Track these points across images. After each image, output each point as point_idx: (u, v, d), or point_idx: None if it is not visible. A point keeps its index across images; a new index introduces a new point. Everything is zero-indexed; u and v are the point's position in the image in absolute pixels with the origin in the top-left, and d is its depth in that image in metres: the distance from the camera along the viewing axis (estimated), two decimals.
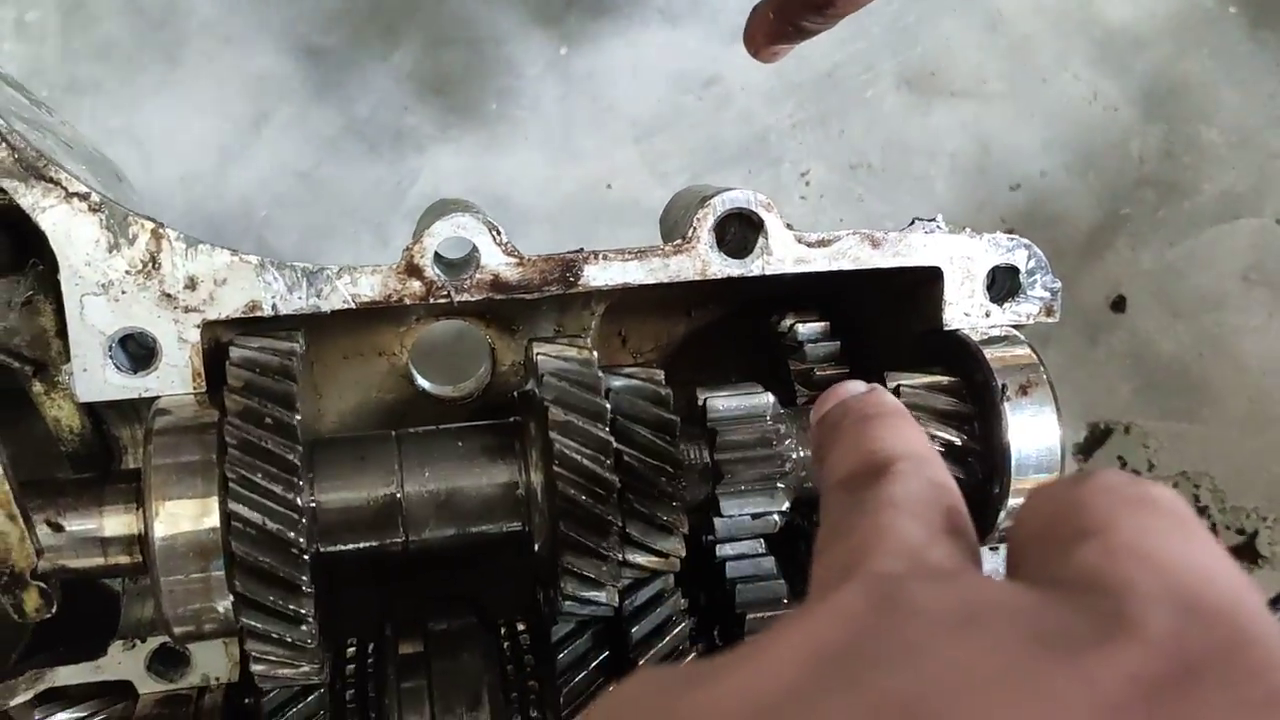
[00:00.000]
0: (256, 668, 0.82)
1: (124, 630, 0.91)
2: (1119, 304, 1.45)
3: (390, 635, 0.92)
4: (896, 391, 0.95)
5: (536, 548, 0.89)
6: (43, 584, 0.77)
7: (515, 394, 0.94)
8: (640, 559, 0.88)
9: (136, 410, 0.93)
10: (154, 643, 0.88)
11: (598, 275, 0.91)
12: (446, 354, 1.11)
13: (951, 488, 0.67)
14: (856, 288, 1.04)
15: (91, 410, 0.92)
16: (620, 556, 0.85)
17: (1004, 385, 0.93)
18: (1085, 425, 1.48)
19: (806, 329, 1.05)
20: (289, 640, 0.80)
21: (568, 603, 0.87)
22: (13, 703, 0.86)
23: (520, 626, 0.96)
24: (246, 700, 0.91)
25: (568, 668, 0.89)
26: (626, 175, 1.55)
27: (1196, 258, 1.44)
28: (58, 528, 0.80)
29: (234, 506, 0.78)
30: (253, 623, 0.79)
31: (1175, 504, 0.57)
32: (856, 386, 0.80)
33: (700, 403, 0.93)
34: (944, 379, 0.97)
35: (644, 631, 0.89)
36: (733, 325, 1.14)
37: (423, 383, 1.05)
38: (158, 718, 0.87)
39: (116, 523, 0.82)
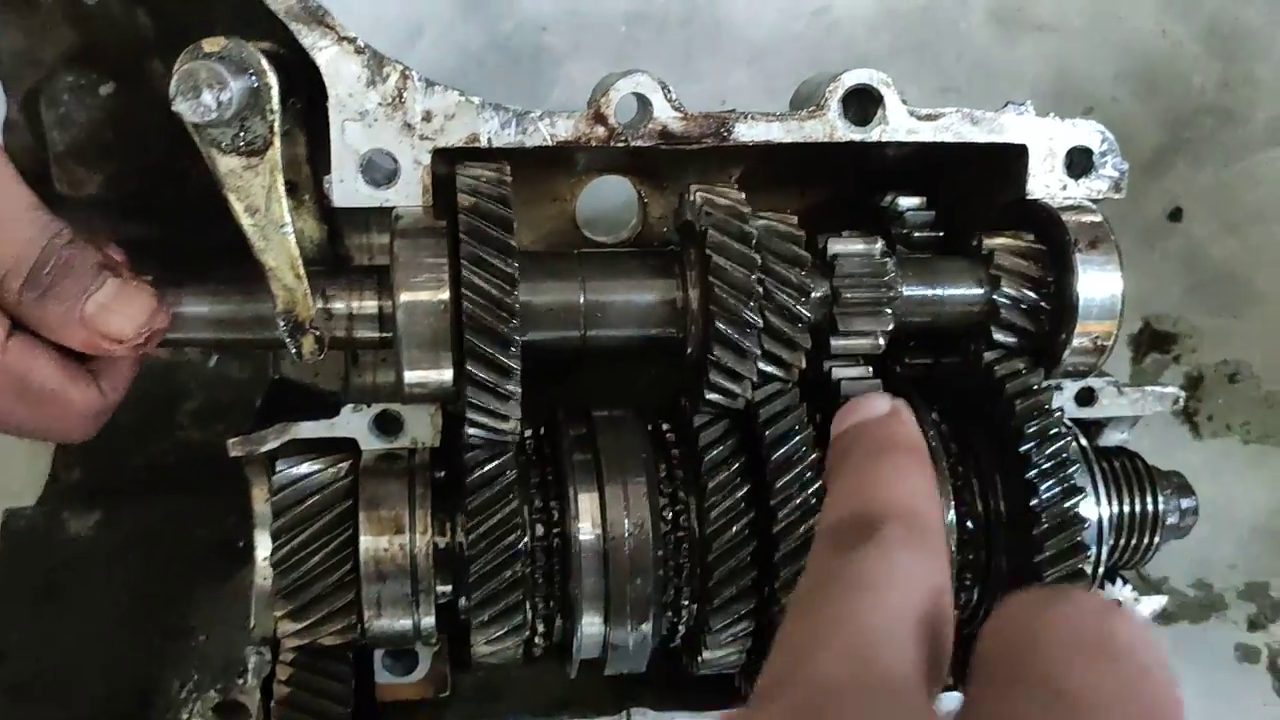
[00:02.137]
0: (471, 430, 1.04)
1: (351, 397, 1.12)
2: (1176, 215, 1.64)
3: (562, 419, 1.12)
4: (989, 257, 1.14)
5: (689, 351, 1.09)
6: (317, 331, 0.99)
7: (675, 227, 1.14)
8: (770, 368, 1.09)
9: (369, 223, 1.15)
10: (377, 408, 1.09)
11: (745, 132, 1.11)
12: (605, 209, 1.32)
13: (938, 563, 0.65)
14: (952, 165, 1.23)
15: (330, 222, 1.14)
16: (758, 351, 1.05)
17: (1076, 239, 1.12)
18: (1140, 319, 1.69)
19: (907, 201, 1.25)
20: (496, 409, 1.02)
21: (712, 394, 1.07)
22: (263, 449, 1.08)
23: (665, 426, 1.16)
24: (439, 473, 1.11)
25: (709, 448, 1.09)
26: (740, 95, 1.74)
27: (1249, 177, 1.63)
28: (325, 299, 1.03)
29: (465, 303, 0.98)
30: (472, 396, 1.00)
31: (1135, 644, 0.55)
32: (877, 406, 0.79)
33: (822, 245, 1.13)
34: (1027, 237, 1.17)
35: (775, 434, 1.07)
36: (839, 205, 1.34)
37: (586, 230, 1.26)
38: (378, 469, 1.08)
39: (368, 303, 1.04)
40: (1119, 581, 1.24)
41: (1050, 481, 1.07)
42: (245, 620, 1.18)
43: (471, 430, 1.04)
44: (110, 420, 1.11)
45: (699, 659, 1.11)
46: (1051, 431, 1.09)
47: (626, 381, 1.22)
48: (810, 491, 1.05)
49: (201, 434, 1.50)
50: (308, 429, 1.08)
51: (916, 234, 1.23)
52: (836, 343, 1.11)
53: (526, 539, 1.05)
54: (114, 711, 1.22)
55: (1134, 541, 1.22)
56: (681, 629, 1.11)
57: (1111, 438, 1.25)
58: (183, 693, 1.20)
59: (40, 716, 1.22)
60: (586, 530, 1.05)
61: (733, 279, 1.04)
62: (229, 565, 1.31)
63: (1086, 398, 1.20)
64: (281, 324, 0.99)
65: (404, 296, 1.00)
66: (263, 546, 1.13)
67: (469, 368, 0.99)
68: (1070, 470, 1.08)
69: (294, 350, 0.99)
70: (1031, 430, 1.08)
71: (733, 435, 1.09)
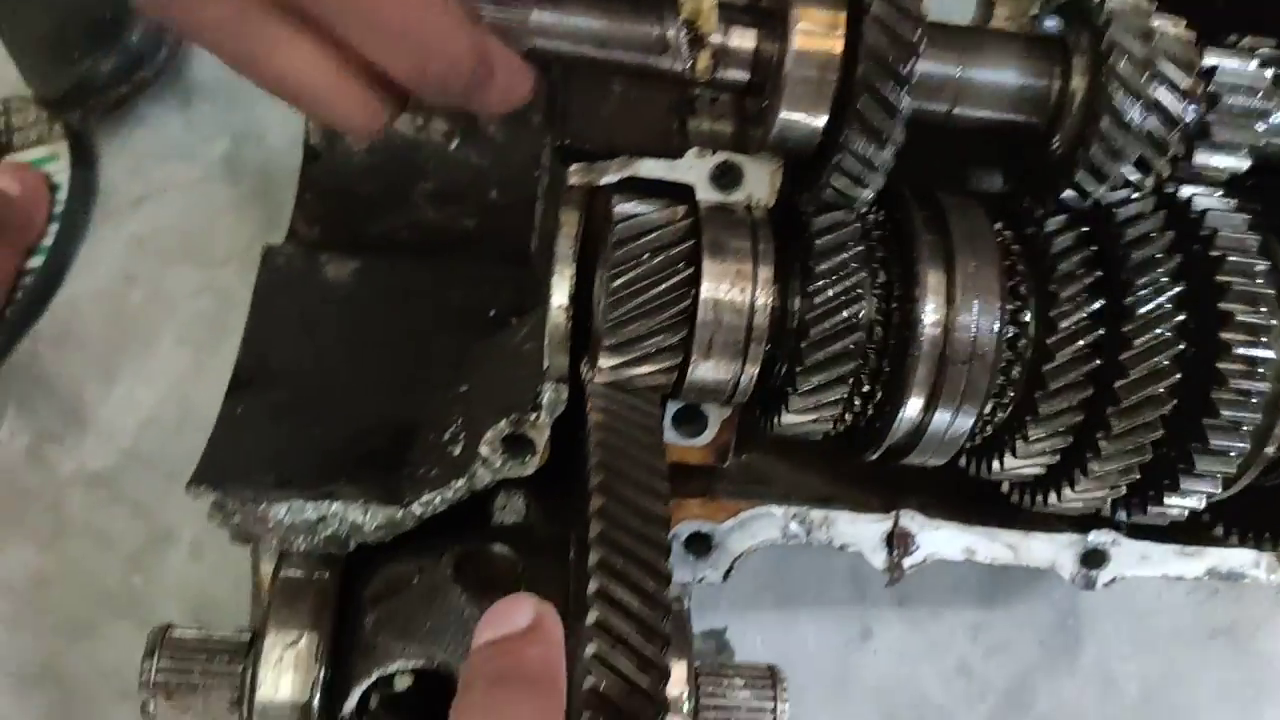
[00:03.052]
0: (828, 191, 1.01)
1: (693, 141, 1.08)
2: None
3: (909, 197, 1.09)
4: None
5: (1053, 145, 1.05)
6: (714, 49, 0.96)
7: (1054, 9, 1.09)
8: (1134, 173, 1.04)
9: None
10: (720, 156, 1.05)
11: None
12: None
13: None
14: None
15: None
16: (1136, 152, 1.01)
17: None
18: None
19: None
20: (861, 174, 0.99)
21: (1069, 192, 1.04)
22: (602, 180, 1.04)
23: (998, 225, 1.11)
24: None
25: (1062, 255, 1.05)
26: None
27: None
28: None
29: (861, 62, 0.95)
30: (847, 145, 0.97)
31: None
32: (516, 619, 0.72)
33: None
34: None
35: (1133, 236, 1.04)
36: None
37: None
38: (719, 218, 1.04)
39: (746, 43, 1.00)
40: None
41: None
42: (512, 375, 1.16)
43: (828, 191, 1.01)
44: (348, 187, 1.09)
45: (997, 464, 1.08)
46: None
47: (959, 173, 1.18)
48: (1168, 307, 1.01)
49: (436, 214, 1.49)
50: (648, 167, 1.05)
51: None
52: (1200, 159, 1.07)
53: (866, 312, 1.02)
54: (370, 446, 1.20)
55: None
56: (988, 431, 1.09)
57: None
58: (444, 436, 1.18)
59: (298, 440, 1.20)
60: (931, 309, 1.02)
61: (1126, 75, 0.99)
62: (483, 331, 1.30)
63: None
64: (682, 34, 0.95)
65: (798, 43, 0.96)
66: (560, 289, 1.10)
67: (853, 124, 0.95)
68: None
69: (687, 66, 0.96)
70: None
71: (1086, 244, 1.05)
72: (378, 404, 1.23)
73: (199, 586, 1.65)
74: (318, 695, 1.02)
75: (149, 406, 1.74)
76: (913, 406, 1.03)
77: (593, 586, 0.85)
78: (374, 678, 1.01)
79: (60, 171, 1.77)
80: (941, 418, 1.03)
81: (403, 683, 1.04)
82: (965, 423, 1.04)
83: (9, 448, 1.74)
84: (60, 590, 1.70)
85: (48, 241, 1.75)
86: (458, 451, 1.14)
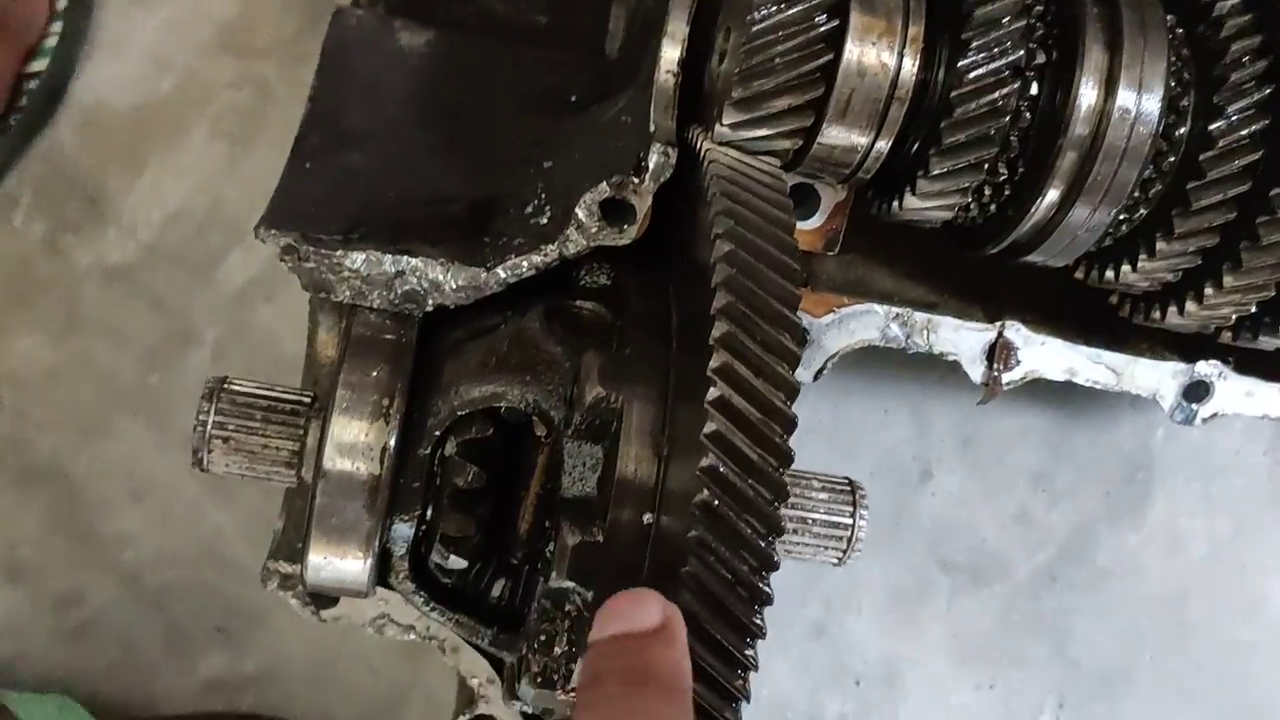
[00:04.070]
0: None
1: None
2: None
3: None
4: None
5: None
6: None
7: None
8: None
9: None
10: None
11: None
12: None
13: None
14: None
15: None
16: None
17: None
18: None
19: None
20: None
21: None
22: None
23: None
24: None
25: (1234, 38, 0.98)
26: None
27: None
28: None
29: None
30: None
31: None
32: (646, 616, 0.69)
33: None
34: None
35: None
36: None
37: None
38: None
39: None
40: None
41: None
42: (607, 146, 1.09)
43: None
44: None
45: (1126, 267, 1.02)
46: None
47: None
48: None
49: (504, 6, 1.40)
50: None
51: None
52: None
53: (1017, 95, 0.95)
54: (446, 215, 1.12)
55: None
56: (1122, 230, 1.02)
57: None
58: (525, 209, 1.10)
59: (372, 201, 1.12)
60: (1089, 92, 0.95)
61: None
62: (563, 113, 1.22)
63: None
64: None
65: None
66: (671, 47, 1.03)
67: None
68: None
69: None
70: None
71: (1256, 30, 0.98)
72: (453, 176, 1.15)
73: None
74: (394, 439, 0.95)
75: (176, 201, 1.65)
76: (1050, 199, 0.97)
77: (715, 362, 0.78)
78: (456, 414, 0.95)
79: None
80: (1079, 213, 0.97)
81: (479, 429, 0.97)
82: (1102, 218, 0.97)
83: (23, 236, 1.65)
84: (70, 385, 1.62)
85: (50, 43, 1.64)
86: (544, 221, 1.06)
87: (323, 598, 1.11)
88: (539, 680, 0.91)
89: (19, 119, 1.62)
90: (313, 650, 1.53)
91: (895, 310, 1.07)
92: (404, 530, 1.01)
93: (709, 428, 0.76)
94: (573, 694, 0.89)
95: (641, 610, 0.69)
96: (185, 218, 1.66)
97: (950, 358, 1.08)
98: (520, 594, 1.07)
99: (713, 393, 0.77)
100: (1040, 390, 1.39)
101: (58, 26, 1.63)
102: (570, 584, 0.88)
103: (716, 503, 0.74)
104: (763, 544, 0.75)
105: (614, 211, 1.02)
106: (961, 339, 1.08)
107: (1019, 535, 1.40)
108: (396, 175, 1.13)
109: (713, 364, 0.77)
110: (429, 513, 1.02)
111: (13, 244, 1.65)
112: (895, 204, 0.99)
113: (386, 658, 1.51)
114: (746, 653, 0.77)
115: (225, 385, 1.02)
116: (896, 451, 1.39)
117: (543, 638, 0.91)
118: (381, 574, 1.04)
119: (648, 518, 0.87)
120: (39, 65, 1.64)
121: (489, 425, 0.97)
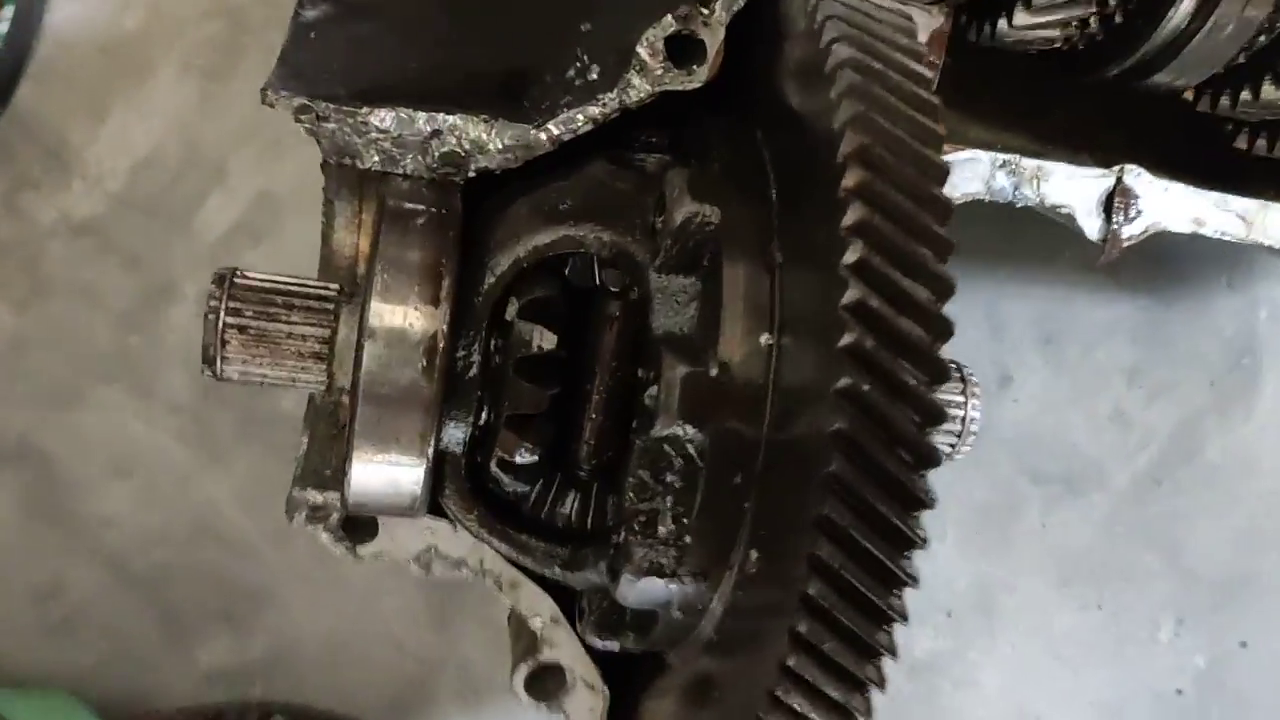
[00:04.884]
0: None
1: None
2: None
3: None
4: None
5: None
6: None
7: None
8: None
9: None
10: None
11: None
12: None
13: None
14: None
15: None
16: None
17: None
18: None
19: None
20: None
21: None
22: None
23: None
24: None
25: None
26: None
27: None
28: None
29: None
30: None
31: None
32: None
33: None
34: None
35: None
36: None
37: None
38: None
39: None
40: None
41: None
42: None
43: None
44: None
45: (1274, 84, 0.90)
46: None
47: None
48: None
49: None
50: None
51: None
52: None
53: None
54: (477, 86, 0.98)
55: None
56: (1260, 41, 0.90)
57: None
58: (567, 74, 0.96)
59: (392, 67, 0.97)
60: None
61: None
62: None
63: None
64: None
65: None
66: None
67: None
68: None
69: None
70: None
71: None
72: (477, 48, 1.01)
73: None
74: (445, 322, 0.81)
75: (145, 146, 1.49)
76: (1186, 4, 0.84)
77: (851, 217, 0.64)
78: (521, 265, 0.81)
79: None
80: (1226, 9, 0.84)
81: (545, 288, 0.83)
82: (1251, 20, 0.85)
83: None
84: (40, 354, 1.45)
85: (3, 29, 1.48)
86: (593, 78, 0.92)
87: (359, 529, 0.95)
88: (646, 568, 0.76)
89: None
90: (326, 629, 1.37)
91: (1002, 157, 0.94)
92: (457, 434, 0.86)
93: (849, 295, 0.61)
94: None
95: None
96: (157, 164, 1.51)
97: (1063, 210, 0.95)
98: (592, 511, 0.92)
99: (850, 255, 0.63)
100: (1127, 277, 1.27)
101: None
102: (675, 430, 0.74)
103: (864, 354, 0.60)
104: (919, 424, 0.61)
105: (680, 50, 0.88)
106: (1075, 188, 0.95)
107: (1115, 438, 1.27)
108: (414, 47, 0.99)
109: (847, 220, 0.63)
110: (484, 416, 0.87)
111: None
112: (1003, 22, 0.86)
113: (412, 631, 1.35)
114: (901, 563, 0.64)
115: (234, 279, 0.87)
116: (970, 357, 1.25)
117: (642, 519, 0.77)
118: (434, 491, 0.89)
119: (765, 339, 0.73)
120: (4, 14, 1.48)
121: (556, 284, 0.83)
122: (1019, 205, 0.95)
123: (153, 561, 1.40)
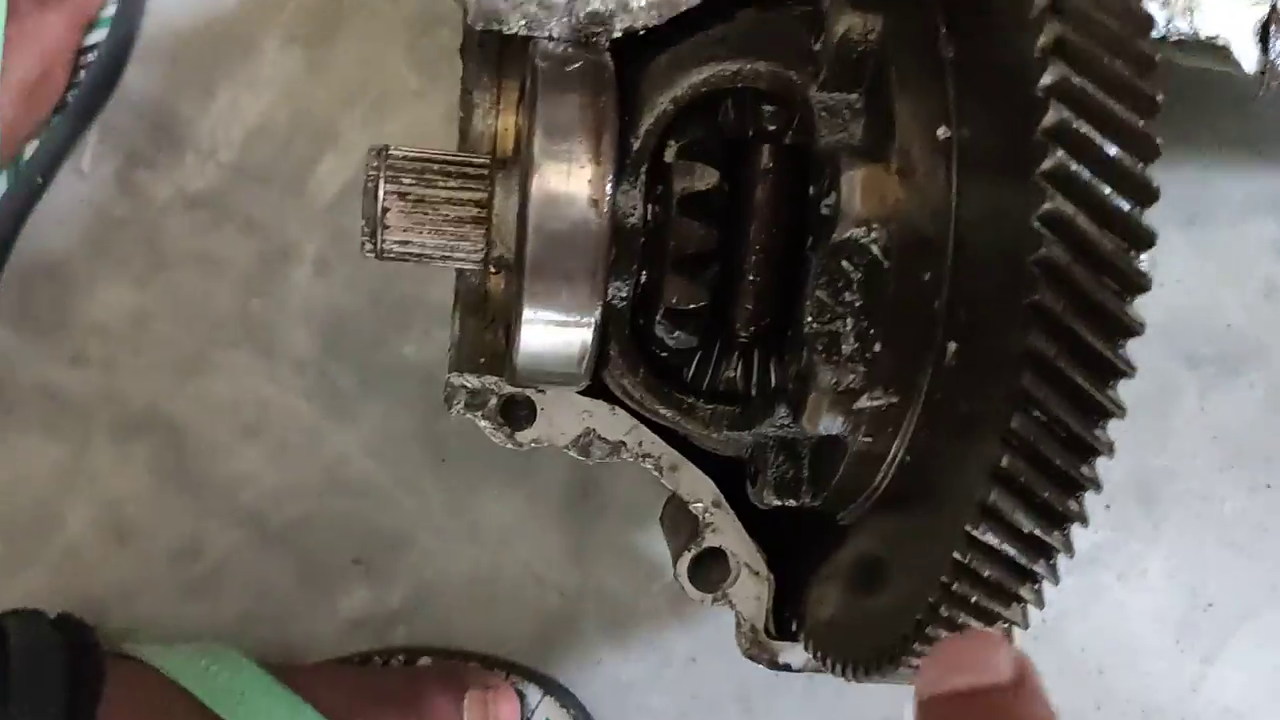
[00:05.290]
0: None
1: None
2: None
3: None
4: None
5: None
6: None
7: None
8: None
9: None
10: None
11: None
12: None
13: None
14: None
15: None
16: None
17: None
18: None
19: None
20: None
21: None
22: None
23: None
24: None
25: None
26: None
27: None
28: None
29: None
30: None
31: None
32: (997, 666, 0.52)
33: None
34: None
35: None
36: None
37: None
38: None
39: None
40: None
41: None
42: None
43: None
44: None
45: None
46: None
47: None
48: None
49: None
50: None
51: None
52: None
53: None
54: None
55: None
56: None
57: None
58: None
59: None
60: None
61: None
62: None
63: None
64: None
65: None
66: None
67: None
68: None
69: None
70: None
71: None
72: None
73: (328, 305, 1.43)
74: (609, 179, 0.80)
75: (255, 116, 1.51)
76: None
77: (1049, 77, 0.61)
78: (681, 103, 0.80)
79: None
80: None
81: (701, 131, 0.82)
82: None
83: (92, 180, 1.51)
84: (162, 326, 1.46)
85: (109, 11, 1.51)
86: None
87: (517, 415, 0.94)
88: (837, 390, 0.74)
89: (77, 99, 1.49)
90: (465, 570, 1.36)
91: None
92: (621, 290, 0.85)
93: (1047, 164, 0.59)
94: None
95: (988, 657, 0.52)
96: (268, 132, 1.52)
97: (1220, 42, 0.92)
98: (756, 374, 0.90)
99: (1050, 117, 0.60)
100: (1267, 150, 1.24)
101: None
102: (855, 233, 0.72)
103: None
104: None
105: None
106: (1231, 16, 0.92)
107: (1270, 313, 1.23)
108: None
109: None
110: (643, 276, 0.86)
111: (82, 189, 1.51)
112: None
113: (550, 563, 1.33)
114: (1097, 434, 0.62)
115: (386, 154, 0.87)
116: None
117: (825, 340, 0.74)
118: (597, 363, 0.88)
119: (943, 131, 0.71)
120: (97, 36, 1.51)
121: (712, 129, 0.82)
122: (1172, 40, 0.92)
123: (288, 517, 1.40)
